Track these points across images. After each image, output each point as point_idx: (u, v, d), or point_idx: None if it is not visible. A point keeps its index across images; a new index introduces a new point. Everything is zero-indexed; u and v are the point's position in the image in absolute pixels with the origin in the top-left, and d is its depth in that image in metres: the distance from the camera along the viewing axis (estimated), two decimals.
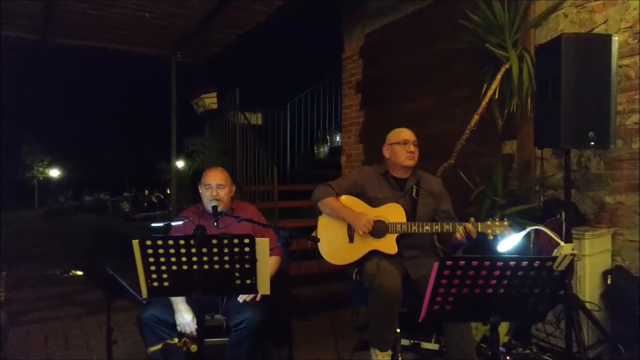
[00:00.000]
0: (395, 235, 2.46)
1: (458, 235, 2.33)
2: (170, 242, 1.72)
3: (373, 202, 2.58)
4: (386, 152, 2.65)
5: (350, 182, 2.67)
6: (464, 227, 2.32)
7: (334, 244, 2.58)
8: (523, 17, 3.32)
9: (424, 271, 2.43)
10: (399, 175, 2.63)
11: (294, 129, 7.64)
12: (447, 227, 2.37)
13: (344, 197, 2.62)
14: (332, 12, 5.80)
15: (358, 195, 2.63)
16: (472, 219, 2.34)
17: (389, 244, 2.47)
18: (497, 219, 2.31)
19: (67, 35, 5.58)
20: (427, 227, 2.41)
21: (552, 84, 2.50)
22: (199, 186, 2.52)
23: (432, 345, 2.82)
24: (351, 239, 2.55)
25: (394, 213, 2.50)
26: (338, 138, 6.94)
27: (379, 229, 2.48)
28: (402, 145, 2.56)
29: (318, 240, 2.47)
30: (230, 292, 2.21)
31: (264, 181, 5.30)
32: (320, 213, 2.65)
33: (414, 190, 2.59)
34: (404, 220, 2.47)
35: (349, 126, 5.48)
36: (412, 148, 2.56)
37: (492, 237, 2.28)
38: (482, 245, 2.44)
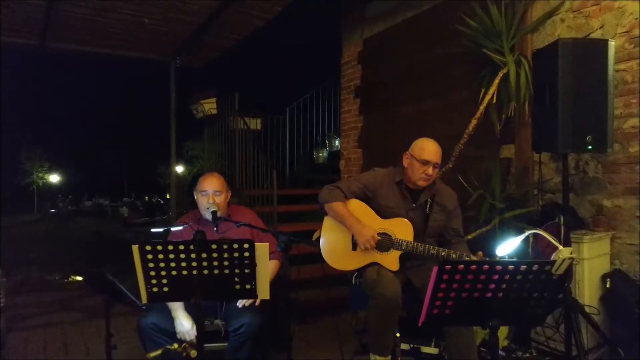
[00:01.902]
0: (399, 252, 2.40)
1: None
2: (170, 247, 1.72)
3: (382, 211, 2.49)
4: (405, 161, 2.49)
5: (361, 185, 2.54)
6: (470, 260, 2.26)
7: (336, 248, 2.52)
8: (520, 22, 3.34)
9: (426, 277, 2.40)
10: (414, 186, 2.49)
11: (293, 133, 7.66)
12: (454, 255, 2.30)
13: (352, 202, 2.51)
14: (330, 18, 5.83)
15: (368, 199, 2.53)
16: (480, 253, 2.27)
17: (391, 260, 2.41)
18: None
19: (66, 41, 5.60)
20: (433, 252, 2.32)
21: (549, 88, 2.51)
22: (195, 192, 2.48)
23: (432, 350, 2.81)
24: (354, 247, 2.47)
25: (401, 229, 2.42)
26: (337, 142, 6.95)
27: (383, 243, 2.42)
28: (421, 164, 2.40)
29: (317, 244, 2.46)
30: (229, 297, 2.21)
31: (263, 185, 5.30)
32: (325, 214, 2.56)
33: (428, 204, 2.50)
34: (411, 238, 2.39)
35: (347, 131, 5.49)
36: (431, 171, 2.40)
37: None
38: (480, 248, 2.44)
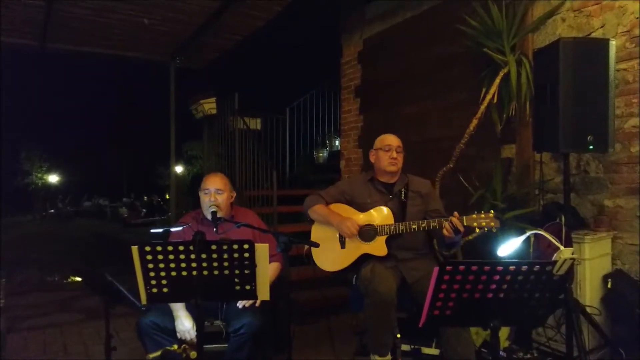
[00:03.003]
0: (384, 237, 2.49)
1: (445, 232, 2.29)
2: (170, 248, 1.72)
3: (363, 208, 2.61)
4: (372, 158, 2.70)
5: (339, 190, 2.73)
6: (450, 221, 2.28)
7: (327, 252, 2.62)
8: (521, 21, 3.33)
9: (419, 275, 2.45)
10: (386, 179, 2.66)
11: (293, 133, 7.64)
12: (434, 223, 2.35)
13: (334, 205, 2.68)
14: (330, 18, 5.82)
15: (348, 203, 2.67)
16: (455, 212, 2.30)
17: (378, 247, 2.50)
18: (482, 211, 2.28)
19: (66, 41, 5.59)
20: (414, 226, 2.41)
21: (550, 88, 2.50)
22: (199, 192, 2.51)
23: (433, 351, 2.80)
24: (343, 245, 2.58)
25: (382, 216, 2.54)
26: (337, 142, 6.94)
27: (368, 233, 2.51)
28: (385, 151, 2.60)
29: (317, 245, 2.47)
30: (229, 297, 2.21)
31: (263, 186, 5.29)
32: (311, 221, 2.71)
33: (403, 193, 2.61)
34: (392, 222, 2.49)
35: (348, 131, 5.49)
36: (395, 154, 2.58)
37: (478, 230, 2.25)
38: (481, 248, 2.43)
